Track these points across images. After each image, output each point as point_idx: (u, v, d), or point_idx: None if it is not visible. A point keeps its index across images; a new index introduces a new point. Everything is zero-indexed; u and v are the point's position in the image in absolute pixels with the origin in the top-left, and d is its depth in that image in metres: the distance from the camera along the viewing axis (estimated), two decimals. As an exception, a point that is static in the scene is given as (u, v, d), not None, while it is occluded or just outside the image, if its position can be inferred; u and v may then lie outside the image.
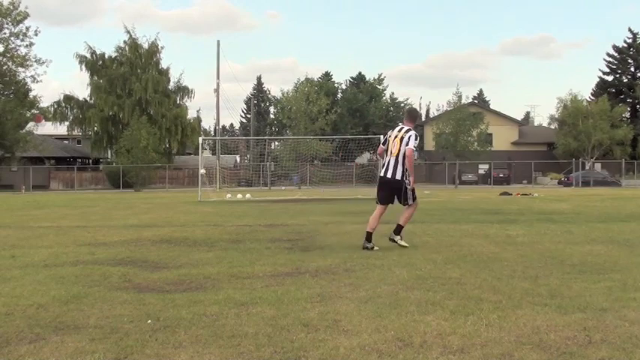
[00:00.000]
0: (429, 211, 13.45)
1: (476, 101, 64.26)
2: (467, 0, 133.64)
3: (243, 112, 78.16)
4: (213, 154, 50.09)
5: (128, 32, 49.16)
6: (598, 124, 45.11)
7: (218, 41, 54.40)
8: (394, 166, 7.06)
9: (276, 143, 51.33)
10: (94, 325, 3.69)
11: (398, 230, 7.17)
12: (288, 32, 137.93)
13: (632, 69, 54.95)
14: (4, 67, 41.32)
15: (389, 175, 7.09)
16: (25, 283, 5.08)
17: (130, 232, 9.48)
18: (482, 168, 46.77)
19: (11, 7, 40.50)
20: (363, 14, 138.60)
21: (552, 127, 55.43)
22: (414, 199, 7.20)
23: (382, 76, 58.18)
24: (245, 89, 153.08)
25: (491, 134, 48.58)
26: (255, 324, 3.67)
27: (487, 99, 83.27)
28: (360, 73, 60.27)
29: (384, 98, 56.75)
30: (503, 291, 4.53)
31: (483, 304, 4.09)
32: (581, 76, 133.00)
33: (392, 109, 56.71)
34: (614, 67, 55.29)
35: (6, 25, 40.80)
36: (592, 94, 55.03)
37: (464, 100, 48.53)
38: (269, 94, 70.66)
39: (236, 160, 52.83)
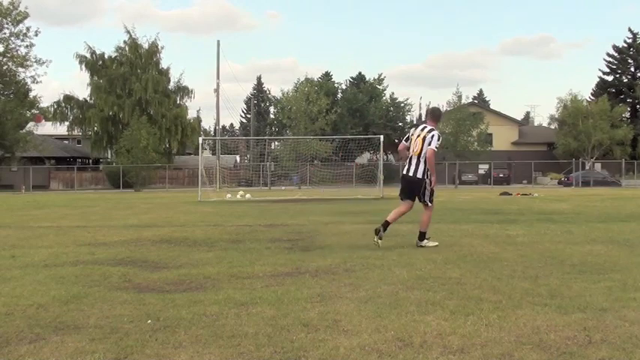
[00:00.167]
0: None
1: (476, 101, 64.26)
2: (467, 0, 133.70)
3: (243, 112, 78.22)
4: (213, 154, 50.09)
5: (128, 32, 49.28)
6: (598, 124, 45.12)
7: (218, 41, 54.51)
8: (416, 165, 7.20)
9: (276, 143, 51.30)
10: (94, 325, 3.69)
11: (421, 237, 7.22)
12: (288, 32, 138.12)
13: (632, 69, 54.96)
14: (4, 67, 41.34)
15: (410, 173, 7.25)
16: (25, 283, 5.08)
17: (130, 232, 9.47)
18: (482, 168, 46.80)
19: (11, 7, 40.54)
20: (363, 14, 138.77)
21: (552, 127, 55.46)
22: (431, 201, 7.31)
23: (382, 76, 58.09)
24: (245, 89, 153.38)
25: (491, 134, 48.59)
26: (255, 324, 3.67)
27: (487, 99, 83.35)
28: (360, 73, 60.24)
29: (384, 98, 56.64)
30: (503, 291, 4.52)
31: (483, 304, 4.09)
32: (581, 76, 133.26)
33: (392, 109, 56.61)
34: (614, 67, 55.30)
35: (6, 25, 40.85)
36: (592, 94, 55.06)
37: (464, 100, 48.56)
38: (269, 94, 70.65)
39: (236, 160, 52.82)
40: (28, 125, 43.91)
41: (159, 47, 49.70)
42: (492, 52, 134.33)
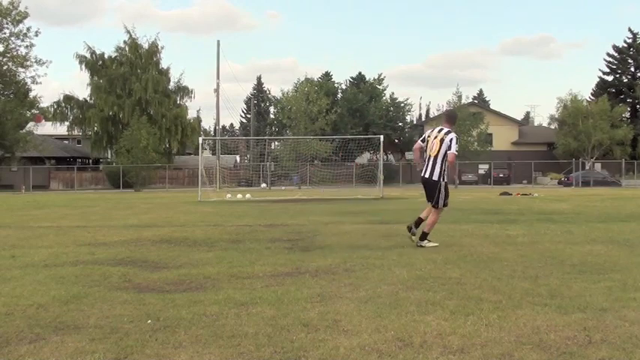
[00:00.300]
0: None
1: (476, 101, 64.21)
2: (467, 0, 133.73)
3: (243, 112, 78.21)
4: (213, 154, 50.10)
5: (128, 32, 49.25)
6: (598, 124, 45.10)
7: (218, 41, 54.52)
8: (432, 166, 7.30)
9: (276, 143, 51.28)
10: (94, 325, 3.69)
11: (423, 236, 7.24)
12: (288, 32, 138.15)
13: (632, 69, 54.94)
14: (4, 68, 41.34)
15: (427, 175, 7.37)
16: (25, 283, 5.08)
17: (130, 232, 9.48)
18: (482, 168, 46.77)
19: (11, 7, 40.53)
20: (363, 14, 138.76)
21: (552, 127, 55.42)
22: (445, 205, 7.39)
23: (382, 76, 58.01)
24: (245, 89, 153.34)
25: (491, 134, 48.57)
26: (255, 324, 3.67)
27: (487, 99, 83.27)
28: (360, 73, 60.17)
29: (384, 98, 56.57)
30: (503, 291, 4.52)
31: (483, 304, 4.09)
32: (581, 76, 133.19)
33: (392, 109, 56.58)
34: (614, 67, 55.29)
35: (6, 25, 40.85)
36: (592, 94, 55.04)
37: (464, 100, 48.53)
38: (269, 94, 70.62)
39: (236, 160, 52.83)
40: (28, 125, 43.91)
41: (159, 47, 49.72)
42: (492, 52, 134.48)
